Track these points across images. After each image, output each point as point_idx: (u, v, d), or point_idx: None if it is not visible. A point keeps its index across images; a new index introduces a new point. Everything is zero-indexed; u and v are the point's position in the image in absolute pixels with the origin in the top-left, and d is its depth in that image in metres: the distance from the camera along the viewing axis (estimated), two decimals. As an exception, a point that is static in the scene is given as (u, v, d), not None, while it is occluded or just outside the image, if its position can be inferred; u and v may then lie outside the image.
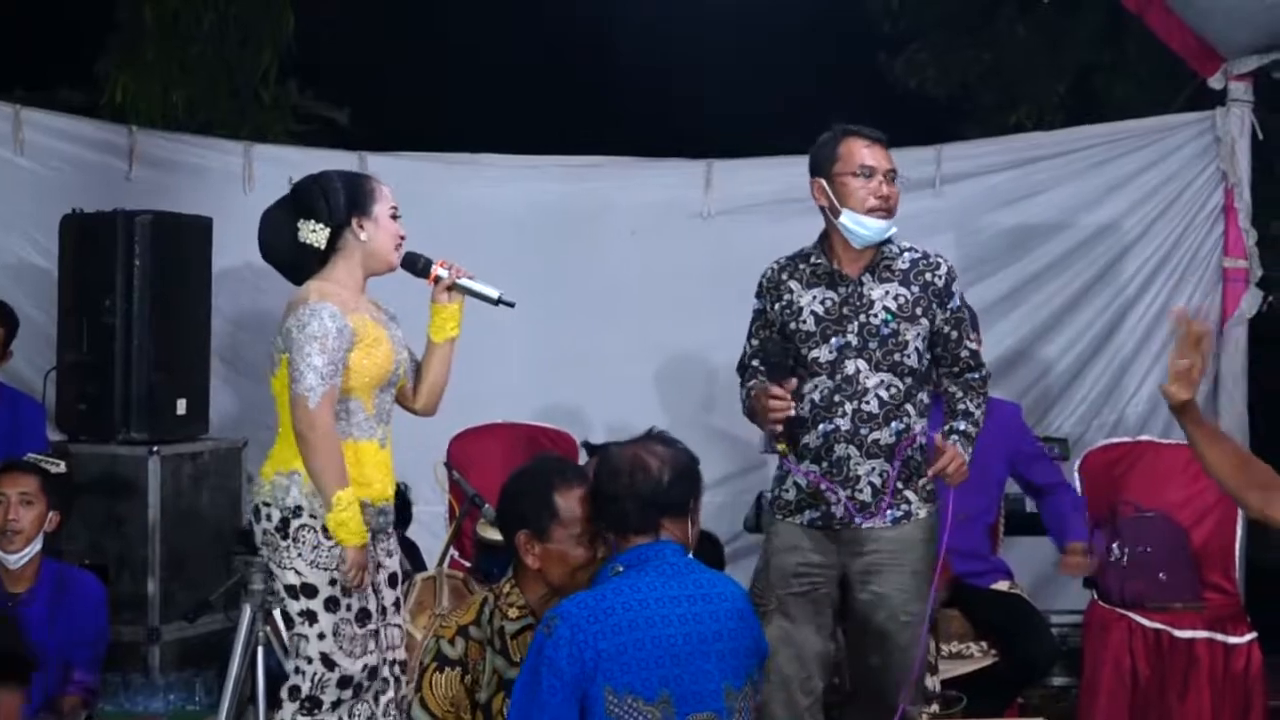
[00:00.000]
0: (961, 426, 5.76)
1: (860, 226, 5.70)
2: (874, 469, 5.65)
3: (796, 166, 9.04)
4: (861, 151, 5.76)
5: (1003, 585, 7.01)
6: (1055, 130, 9.66)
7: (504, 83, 11.88)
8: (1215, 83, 8.49)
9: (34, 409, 7.80)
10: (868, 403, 5.65)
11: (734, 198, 9.19)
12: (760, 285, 6.05)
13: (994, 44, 11.21)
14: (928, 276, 5.73)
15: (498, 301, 5.57)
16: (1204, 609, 6.88)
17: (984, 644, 6.86)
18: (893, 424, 5.65)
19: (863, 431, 5.64)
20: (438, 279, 5.56)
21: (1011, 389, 8.73)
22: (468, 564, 7.44)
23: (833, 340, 5.72)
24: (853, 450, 5.66)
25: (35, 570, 6.59)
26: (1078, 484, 7.33)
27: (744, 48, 10.38)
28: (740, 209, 9.16)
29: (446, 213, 9.02)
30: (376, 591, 5.35)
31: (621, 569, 4.39)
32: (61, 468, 7.23)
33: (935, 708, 6.51)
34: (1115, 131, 9.00)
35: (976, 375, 5.83)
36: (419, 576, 6.58)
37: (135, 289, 7.76)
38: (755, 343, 6.09)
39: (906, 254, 5.77)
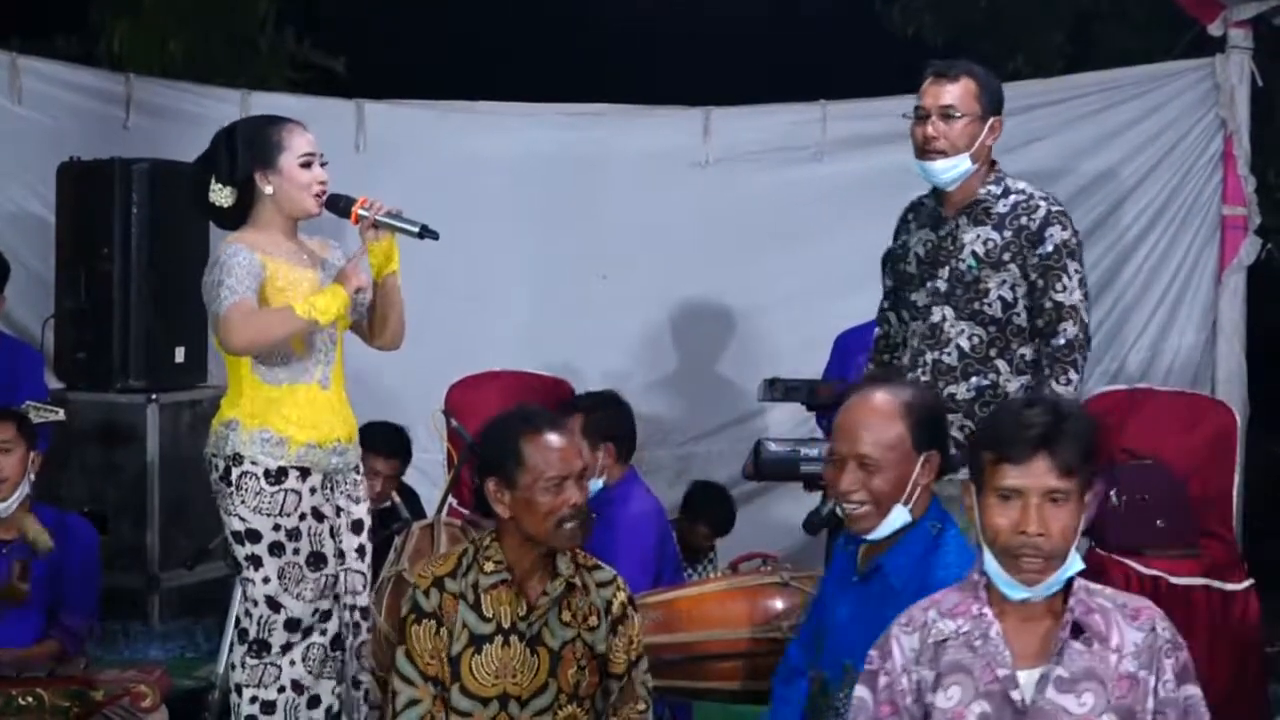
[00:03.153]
0: None
1: (919, 170, 5.54)
2: (952, 423, 5.21)
3: (794, 114, 9.15)
4: (921, 92, 5.52)
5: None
6: (1054, 78, 9.63)
7: (501, 30, 11.83)
8: (1215, 29, 8.46)
9: (32, 357, 7.79)
10: (948, 354, 5.45)
11: (732, 145, 9.17)
12: (897, 222, 5.83)
13: (991, -10, 11.17)
14: (1023, 220, 5.40)
15: (421, 234, 5.40)
16: (1201, 556, 6.89)
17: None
18: (973, 379, 5.43)
19: (939, 384, 5.43)
20: (360, 218, 5.44)
21: (1009, 337, 8.74)
22: (466, 512, 7.45)
23: (927, 285, 5.54)
24: None
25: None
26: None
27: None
28: (739, 157, 9.14)
29: (444, 160, 9.04)
30: (335, 535, 5.35)
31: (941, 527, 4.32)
32: (60, 416, 7.23)
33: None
34: (1114, 79, 8.98)
35: (1061, 337, 5.36)
36: (416, 525, 6.60)
37: (133, 237, 7.77)
38: (888, 283, 5.86)
39: (1013, 196, 5.46)
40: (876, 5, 11.36)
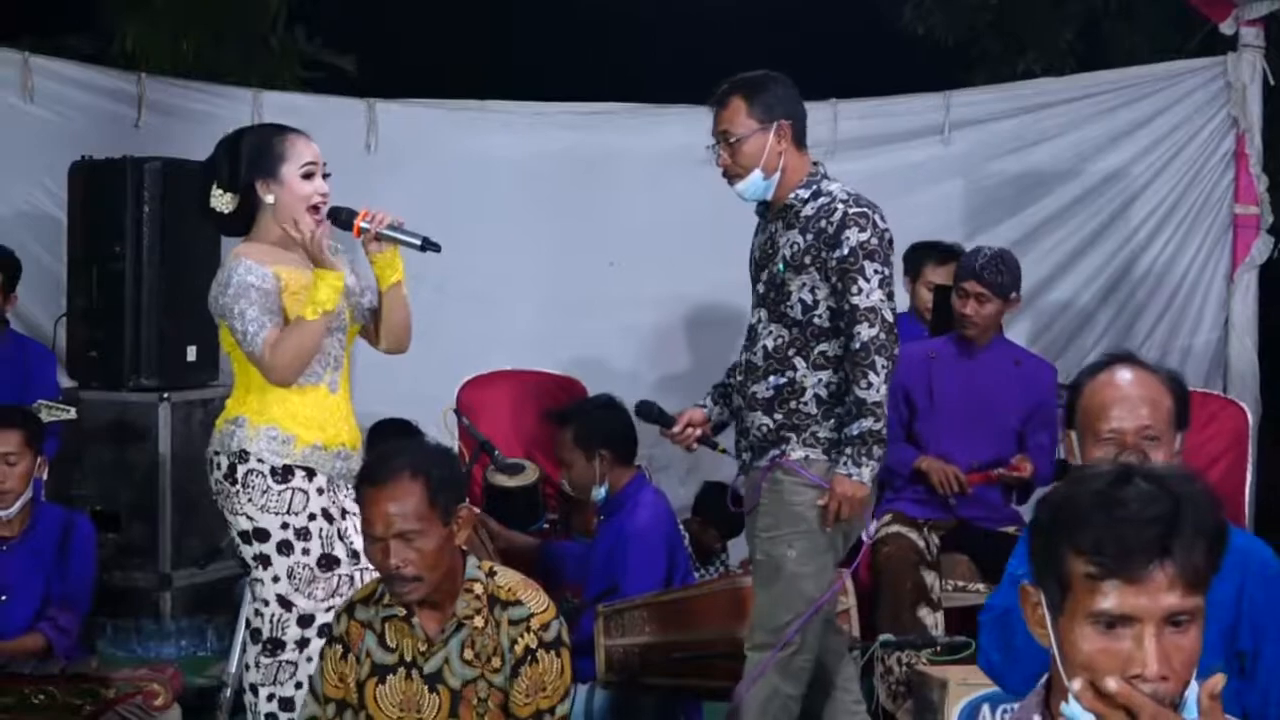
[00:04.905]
0: (848, 451, 5.32)
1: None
2: (755, 422, 5.51)
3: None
4: None
5: (1010, 529, 7.00)
6: (1064, 77, 9.63)
7: (511, 29, 11.86)
8: (1226, 28, 8.46)
9: (44, 356, 7.81)
10: (756, 354, 5.54)
11: (742, 144, 9.15)
12: None
13: (1001, -12, 11.17)
14: (822, 224, 5.41)
15: (423, 247, 5.40)
16: (1212, 555, 6.85)
17: (988, 584, 6.85)
18: (771, 377, 5.47)
19: (748, 384, 5.53)
20: (362, 231, 5.43)
21: (1020, 337, 8.73)
22: (477, 510, 7.45)
23: (755, 288, 5.66)
24: (741, 401, 5.58)
25: (26, 515, 6.43)
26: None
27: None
28: (748, 155, 9.13)
29: (454, 160, 9.05)
30: (343, 537, 5.34)
31: None
32: (72, 414, 7.24)
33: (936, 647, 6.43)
34: (1125, 78, 8.98)
35: (856, 341, 5.31)
36: (429, 523, 6.59)
37: (145, 236, 7.78)
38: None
39: (821, 199, 5.48)
40: (886, 3, 11.36)
